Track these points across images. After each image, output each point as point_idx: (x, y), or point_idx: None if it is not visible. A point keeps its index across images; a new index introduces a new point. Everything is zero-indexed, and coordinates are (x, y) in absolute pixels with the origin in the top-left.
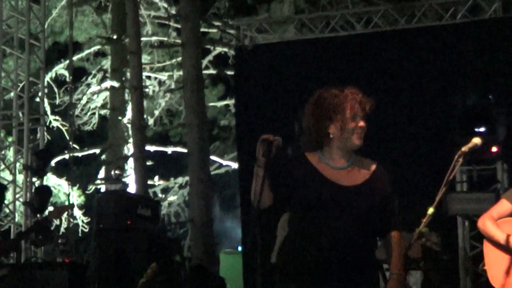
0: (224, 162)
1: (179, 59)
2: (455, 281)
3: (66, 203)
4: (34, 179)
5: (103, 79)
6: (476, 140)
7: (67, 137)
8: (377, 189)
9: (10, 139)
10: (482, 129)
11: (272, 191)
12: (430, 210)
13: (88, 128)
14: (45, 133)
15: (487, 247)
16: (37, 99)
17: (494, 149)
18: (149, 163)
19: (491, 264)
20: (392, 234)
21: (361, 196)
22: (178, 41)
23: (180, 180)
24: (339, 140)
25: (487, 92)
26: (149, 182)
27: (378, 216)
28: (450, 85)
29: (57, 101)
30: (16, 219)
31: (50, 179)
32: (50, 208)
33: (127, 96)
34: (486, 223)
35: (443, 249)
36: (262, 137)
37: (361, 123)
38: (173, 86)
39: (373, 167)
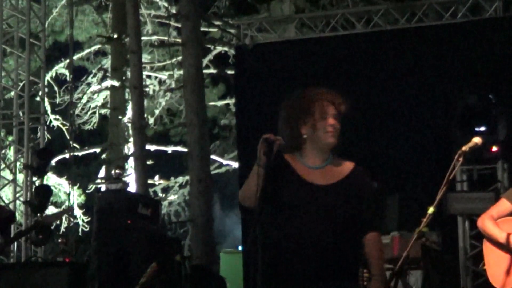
0: (225, 162)
1: (180, 58)
2: (455, 280)
3: (67, 202)
4: (34, 179)
5: (103, 78)
6: (477, 140)
7: (68, 136)
8: (353, 188)
9: (10, 138)
10: (482, 129)
11: (263, 191)
12: (431, 210)
13: (88, 127)
14: (46, 133)
15: (487, 247)
16: (38, 98)
17: (494, 148)
18: (149, 162)
19: (491, 263)
20: (369, 235)
21: (336, 194)
22: (179, 40)
23: (181, 179)
24: (312, 140)
25: (487, 92)
26: (150, 181)
27: (355, 215)
28: (450, 85)
29: (58, 100)
30: (16, 218)
31: (51, 179)
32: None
33: (127, 96)
34: (485, 223)
35: (443, 249)
36: (264, 136)
37: (331, 121)
38: (173, 86)
39: (351, 167)
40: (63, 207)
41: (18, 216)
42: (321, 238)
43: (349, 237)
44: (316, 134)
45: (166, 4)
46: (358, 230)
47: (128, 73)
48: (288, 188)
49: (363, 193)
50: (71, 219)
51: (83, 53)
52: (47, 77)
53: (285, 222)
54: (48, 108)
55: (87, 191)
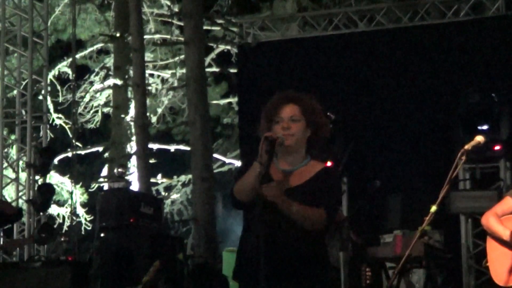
0: (227, 160)
1: (182, 57)
2: (458, 279)
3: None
4: (37, 177)
5: (106, 77)
6: (479, 138)
7: (70, 135)
8: (318, 188)
9: (13, 137)
10: (485, 127)
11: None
12: (433, 208)
13: (91, 126)
14: (48, 131)
15: (491, 244)
16: (40, 97)
17: (497, 147)
18: (152, 161)
19: (494, 261)
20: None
21: (300, 195)
22: (181, 39)
23: (183, 178)
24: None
25: (490, 90)
26: (152, 180)
27: None
28: (453, 83)
29: (60, 99)
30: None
31: (53, 177)
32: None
33: (130, 94)
34: (489, 220)
35: (446, 247)
36: (265, 135)
37: (284, 124)
38: (176, 84)
39: (319, 168)
40: (66, 206)
41: None
42: (283, 240)
43: (312, 238)
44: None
45: (168, 3)
46: (323, 232)
47: (131, 72)
48: (260, 189)
49: (326, 193)
50: (74, 218)
51: (86, 52)
52: (50, 76)
53: (256, 222)
54: (51, 106)
55: (89, 190)
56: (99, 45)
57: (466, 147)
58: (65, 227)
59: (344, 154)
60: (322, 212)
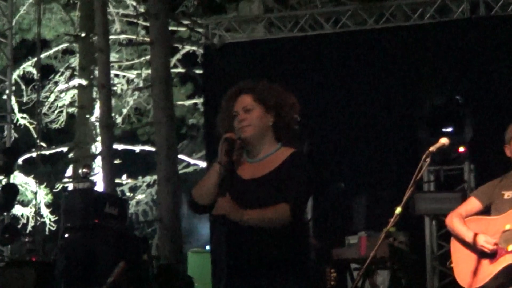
0: (192, 161)
1: (148, 57)
2: (422, 280)
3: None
4: (0, 177)
5: (71, 77)
6: (444, 140)
7: (35, 135)
8: (283, 178)
9: None
10: (449, 130)
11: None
12: (398, 210)
13: (55, 126)
14: (12, 131)
15: (455, 245)
16: (4, 97)
17: (461, 149)
18: (117, 161)
19: (458, 262)
20: (279, 205)
21: (261, 188)
22: (147, 39)
23: (148, 178)
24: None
25: (454, 93)
26: (117, 180)
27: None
28: (417, 85)
29: (25, 98)
30: None
31: (17, 177)
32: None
33: (95, 94)
34: (453, 221)
35: (411, 249)
36: (225, 136)
37: (239, 117)
38: (141, 85)
39: (287, 154)
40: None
41: None
42: (249, 232)
43: (281, 231)
44: (237, 133)
45: (134, 3)
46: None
47: (96, 72)
48: (224, 182)
49: (292, 181)
50: (38, 218)
51: (51, 52)
52: (14, 76)
53: (217, 227)
54: (15, 106)
55: (54, 190)
56: (64, 45)
57: (431, 149)
58: (29, 228)
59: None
60: (284, 208)
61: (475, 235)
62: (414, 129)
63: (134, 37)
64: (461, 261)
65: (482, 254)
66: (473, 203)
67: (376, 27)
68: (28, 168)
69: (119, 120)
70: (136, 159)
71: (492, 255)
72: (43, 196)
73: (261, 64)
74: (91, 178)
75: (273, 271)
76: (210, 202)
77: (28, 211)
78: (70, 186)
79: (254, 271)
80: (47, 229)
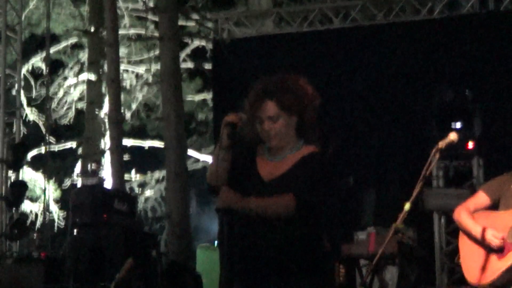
0: (201, 157)
1: (157, 52)
2: (431, 276)
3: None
4: (9, 173)
5: (80, 72)
6: (453, 136)
7: (44, 131)
8: (298, 177)
9: None
10: (458, 125)
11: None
12: (407, 206)
13: (64, 121)
14: (21, 126)
15: (463, 241)
16: (14, 92)
17: (470, 144)
18: (126, 157)
19: (466, 258)
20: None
21: (283, 184)
22: (156, 34)
23: (157, 174)
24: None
25: (463, 88)
26: (126, 176)
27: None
28: (427, 80)
29: (34, 94)
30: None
31: (26, 173)
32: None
33: (104, 89)
34: (461, 215)
35: (419, 245)
36: (226, 119)
37: (264, 126)
38: (150, 80)
39: (306, 152)
40: (39, 202)
41: None
42: (266, 232)
43: (292, 230)
44: (262, 137)
45: None
46: (311, 221)
47: (105, 67)
48: (242, 180)
49: (308, 180)
50: (47, 214)
51: (60, 47)
52: (23, 71)
53: (238, 216)
54: (24, 101)
55: (63, 186)
56: (73, 40)
57: (440, 144)
58: (38, 224)
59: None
60: (289, 198)
61: (483, 229)
62: (423, 125)
63: (143, 32)
64: (469, 257)
65: (490, 249)
66: (481, 198)
67: (386, 22)
68: (37, 164)
69: (128, 115)
70: (145, 154)
71: (500, 251)
72: (52, 192)
73: (270, 59)
74: (100, 174)
75: (286, 269)
76: (218, 184)
77: (37, 207)
78: (79, 182)
79: (267, 269)
80: (55, 225)
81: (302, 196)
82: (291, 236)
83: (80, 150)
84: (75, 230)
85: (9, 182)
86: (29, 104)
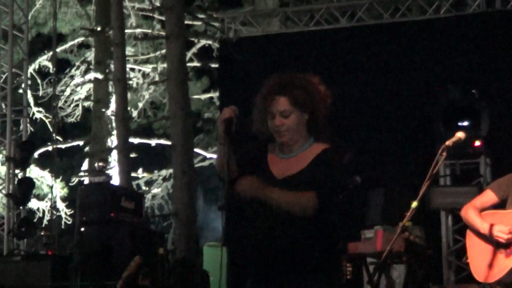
0: (208, 155)
1: (163, 51)
2: (438, 275)
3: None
4: (17, 171)
5: (86, 71)
6: (460, 135)
7: (51, 129)
8: (316, 172)
9: None
10: (465, 124)
11: (237, 165)
12: (414, 204)
13: (71, 120)
14: (28, 125)
15: (470, 239)
16: (20, 91)
17: (477, 143)
18: (132, 155)
19: (474, 256)
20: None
21: (300, 182)
22: (162, 33)
23: (164, 172)
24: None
25: (470, 87)
26: (133, 174)
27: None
28: (433, 79)
29: (41, 92)
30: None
31: (33, 171)
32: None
33: (111, 88)
34: (468, 213)
35: (427, 243)
36: (222, 117)
37: (276, 122)
38: (157, 79)
39: (320, 150)
40: (46, 200)
41: (0, 209)
42: (277, 231)
43: (310, 228)
44: (273, 133)
45: None
46: (325, 219)
47: (112, 66)
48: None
49: (325, 178)
50: (54, 212)
51: (67, 46)
52: (30, 70)
53: (249, 214)
54: (31, 100)
55: (70, 184)
56: (80, 39)
57: (447, 143)
58: (45, 221)
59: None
60: (311, 195)
61: (491, 226)
62: (430, 123)
63: (149, 31)
64: (477, 255)
65: (498, 247)
66: (488, 196)
67: (392, 21)
68: (44, 162)
69: (135, 114)
70: (152, 153)
71: (507, 248)
72: (59, 190)
73: (277, 58)
74: (107, 172)
75: (301, 266)
76: (233, 177)
77: (44, 205)
78: (86, 180)
79: (281, 266)
80: (63, 223)
81: (324, 197)
82: (308, 233)
83: (87, 148)
84: (82, 228)
85: (16, 180)
86: (36, 103)
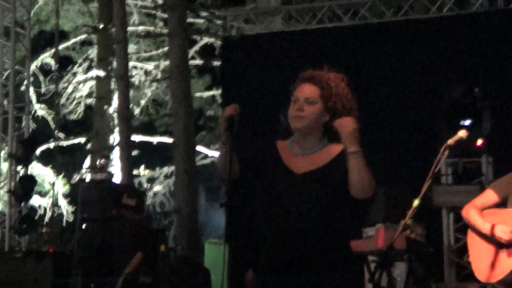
0: (210, 153)
1: (166, 49)
2: (440, 273)
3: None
4: (18, 168)
5: (89, 68)
6: (462, 133)
7: (53, 126)
8: (335, 174)
9: None
10: (467, 122)
11: (239, 164)
12: (416, 202)
13: (73, 117)
14: (30, 122)
15: (472, 238)
16: (23, 88)
17: (479, 142)
18: (134, 152)
19: (475, 256)
20: None
21: (312, 183)
22: (165, 31)
23: (166, 170)
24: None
25: (472, 85)
26: (135, 172)
27: (336, 202)
28: (436, 78)
29: (43, 89)
30: (0, 208)
31: (35, 168)
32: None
33: (113, 86)
34: (470, 212)
35: (428, 241)
36: (223, 115)
37: (297, 105)
38: (159, 76)
39: (339, 150)
40: (48, 197)
41: (1, 206)
42: (296, 228)
43: (329, 225)
44: (290, 120)
45: None
46: (343, 217)
47: (114, 63)
48: (269, 174)
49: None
50: (55, 209)
51: (69, 43)
52: (33, 67)
53: (265, 209)
54: (33, 97)
55: (71, 181)
56: (82, 36)
57: (449, 142)
58: (46, 218)
59: None
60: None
61: (492, 226)
62: (432, 122)
63: (152, 28)
64: (478, 255)
65: (499, 247)
66: (489, 196)
67: (395, 19)
68: (46, 159)
69: (137, 111)
70: (154, 150)
71: (509, 248)
72: (60, 187)
73: (279, 56)
74: (108, 169)
75: (320, 265)
76: (235, 177)
77: (46, 202)
78: (88, 177)
79: (300, 264)
80: (64, 220)
81: (346, 191)
82: (325, 229)
83: (89, 146)
84: (83, 225)
85: (18, 177)
86: (38, 100)
